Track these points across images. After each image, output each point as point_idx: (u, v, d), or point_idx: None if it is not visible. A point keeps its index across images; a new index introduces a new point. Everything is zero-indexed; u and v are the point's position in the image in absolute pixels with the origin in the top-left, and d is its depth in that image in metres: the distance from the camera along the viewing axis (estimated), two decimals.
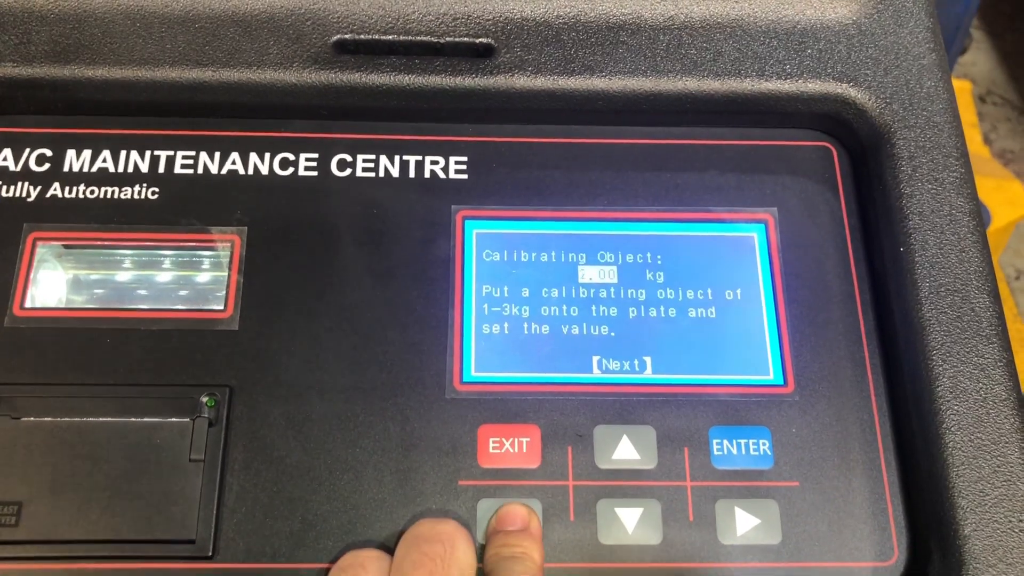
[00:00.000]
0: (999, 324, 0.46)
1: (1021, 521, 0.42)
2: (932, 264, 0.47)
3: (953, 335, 0.46)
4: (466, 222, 0.50)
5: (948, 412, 0.44)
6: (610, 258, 0.50)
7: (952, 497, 0.43)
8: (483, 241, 0.50)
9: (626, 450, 0.46)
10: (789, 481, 0.46)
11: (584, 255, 0.50)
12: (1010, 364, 0.45)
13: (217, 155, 0.51)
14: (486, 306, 0.49)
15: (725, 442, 0.46)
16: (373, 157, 0.51)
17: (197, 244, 0.49)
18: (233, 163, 0.51)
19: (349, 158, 0.51)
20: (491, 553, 0.43)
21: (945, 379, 0.45)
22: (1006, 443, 0.44)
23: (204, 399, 0.45)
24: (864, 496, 0.45)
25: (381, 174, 0.51)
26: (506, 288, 0.49)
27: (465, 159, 0.52)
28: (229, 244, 0.49)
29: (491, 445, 0.46)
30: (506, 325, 0.48)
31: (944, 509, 0.43)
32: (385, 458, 0.45)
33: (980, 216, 0.48)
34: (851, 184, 0.52)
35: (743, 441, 0.46)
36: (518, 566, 0.41)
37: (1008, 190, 1.50)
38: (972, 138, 1.61)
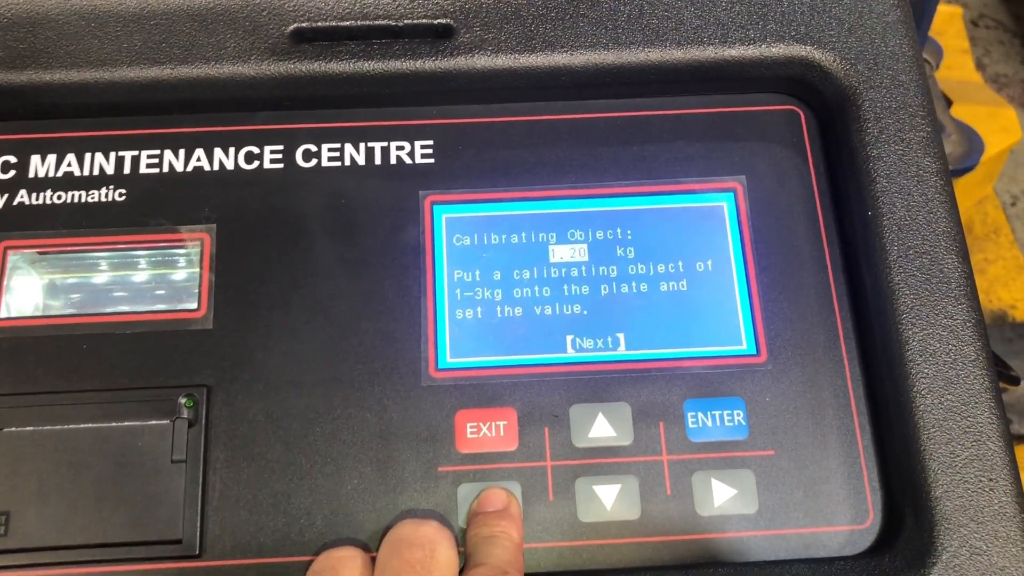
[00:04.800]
0: (968, 284, 0.46)
1: (991, 480, 0.43)
2: (900, 227, 0.47)
3: (922, 297, 0.46)
4: (434, 207, 0.50)
5: (919, 375, 0.45)
6: (580, 236, 0.50)
7: (924, 459, 0.44)
8: (452, 226, 0.50)
9: (602, 428, 0.46)
10: (764, 450, 0.46)
11: (554, 234, 0.50)
12: (979, 324, 0.46)
13: (182, 152, 0.51)
14: (458, 291, 0.49)
15: (700, 414, 0.47)
16: (338, 146, 0.51)
17: (167, 244, 0.49)
18: (198, 160, 0.51)
19: (314, 148, 0.51)
20: (471, 534, 0.44)
21: (915, 342, 0.45)
22: (976, 403, 0.44)
23: (183, 400, 0.46)
24: (839, 462, 0.46)
25: (347, 163, 0.51)
26: (477, 272, 0.49)
27: (431, 143, 0.52)
28: (199, 242, 0.49)
29: (468, 430, 0.46)
30: (479, 309, 0.48)
31: (916, 471, 0.44)
32: (364, 449, 0.46)
33: (948, 175, 0.48)
34: (819, 148, 0.52)
35: (717, 413, 0.47)
36: (496, 547, 0.42)
37: (1001, 117, 1.48)
38: (964, 64, 1.59)
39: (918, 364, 0.45)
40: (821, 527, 0.45)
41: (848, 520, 0.45)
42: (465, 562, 0.43)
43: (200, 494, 0.45)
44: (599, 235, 0.50)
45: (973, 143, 1.17)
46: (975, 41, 2.00)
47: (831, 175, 0.51)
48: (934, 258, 0.47)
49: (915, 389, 0.45)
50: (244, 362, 0.47)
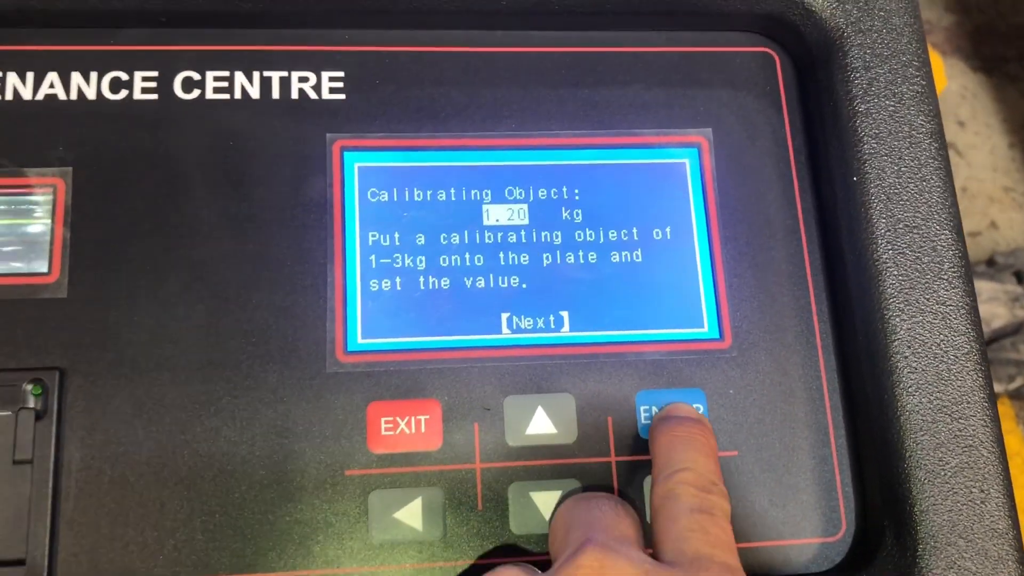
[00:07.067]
0: (963, 264, 0.40)
1: (983, 492, 0.38)
2: (889, 196, 0.41)
3: (912, 279, 0.40)
4: (345, 154, 0.42)
5: (906, 370, 0.39)
6: (520, 195, 0.42)
7: (908, 467, 0.38)
8: (367, 177, 0.42)
9: (541, 423, 0.40)
10: (726, 451, 0.40)
11: (489, 192, 0.42)
12: (973, 311, 0.40)
13: (30, 76, 0.41)
14: (373, 257, 0.41)
15: (654, 408, 0.40)
16: (226, 74, 0.42)
17: (10, 191, 0.39)
18: (51, 86, 0.41)
19: (196, 76, 0.42)
20: (664, 431, 0.38)
21: (903, 331, 0.39)
22: (968, 403, 0.39)
23: (28, 386, 0.37)
24: (809, 465, 0.40)
25: (237, 95, 0.42)
26: (397, 235, 0.41)
27: (342, 74, 0.43)
28: (50, 190, 0.40)
29: (383, 426, 0.39)
30: (398, 280, 0.41)
31: (899, 480, 0.38)
32: (256, 449, 0.38)
33: (943, 137, 0.42)
34: (796, 99, 0.45)
35: None
36: (699, 452, 0.37)
37: None
38: None
39: (905, 357, 0.39)
40: (787, 540, 0.39)
41: (818, 531, 0.40)
42: (655, 465, 0.37)
43: (50, 503, 0.36)
44: (541, 194, 0.42)
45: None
46: None
47: (809, 132, 0.44)
48: (926, 234, 0.40)
49: (901, 385, 0.39)
50: (106, 340, 0.38)
